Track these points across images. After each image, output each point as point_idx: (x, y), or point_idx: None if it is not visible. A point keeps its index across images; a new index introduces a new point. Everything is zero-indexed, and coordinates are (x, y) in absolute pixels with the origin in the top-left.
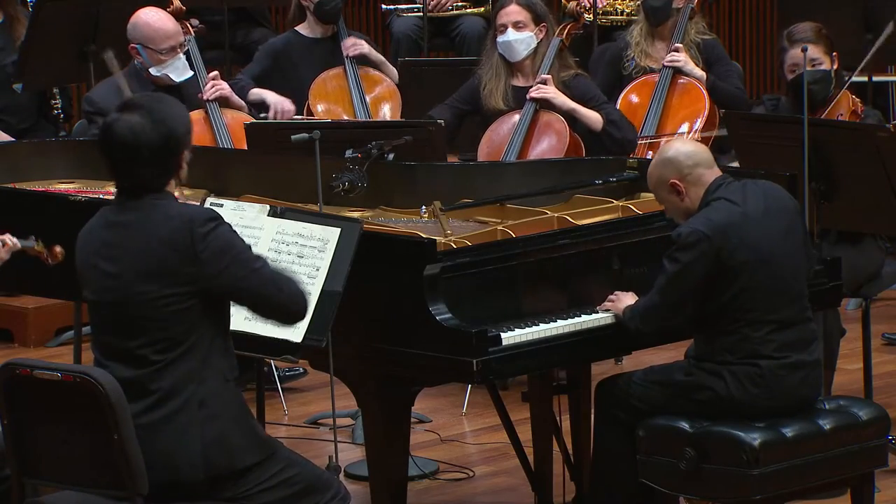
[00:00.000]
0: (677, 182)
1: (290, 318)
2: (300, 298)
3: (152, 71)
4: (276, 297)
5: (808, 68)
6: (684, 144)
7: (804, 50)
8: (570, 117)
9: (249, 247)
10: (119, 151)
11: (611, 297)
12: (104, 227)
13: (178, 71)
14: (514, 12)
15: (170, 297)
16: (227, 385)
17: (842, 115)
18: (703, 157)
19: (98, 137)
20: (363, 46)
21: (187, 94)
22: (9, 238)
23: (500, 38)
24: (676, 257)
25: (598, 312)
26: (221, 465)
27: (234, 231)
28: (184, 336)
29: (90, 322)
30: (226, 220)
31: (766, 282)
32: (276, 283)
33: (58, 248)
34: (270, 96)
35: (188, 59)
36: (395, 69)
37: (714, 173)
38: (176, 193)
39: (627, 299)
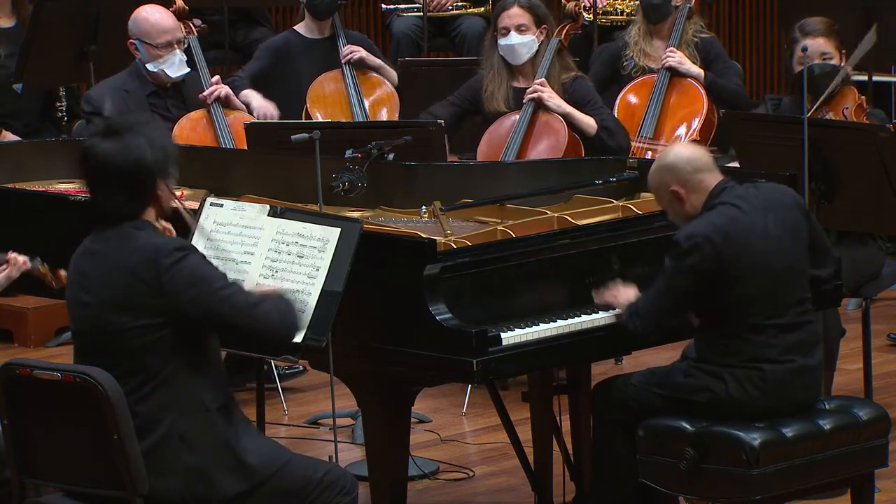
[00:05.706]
0: (678, 189)
1: (271, 344)
2: (281, 323)
3: (149, 67)
4: (251, 324)
5: (819, 61)
6: (685, 149)
7: (804, 49)
8: (566, 119)
9: (224, 275)
10: (92, 176)
11: (613, 290)
12: (82, 255)
13: (174, 67)
14: (516, 15)
15: (139, 328)
16: (209, 415)
17: (847, 108)
18: (704, 162)
19: (77, 160)
20: (359, 52)
21: (188, 94)
22: (20, 256)
23: (502, 42)
24: (677, 262)
25: (598, 312)
26: (202, 497)
27: (206, 260)
28: (157, 367)
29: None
30: (222, 220)
31: (767, 290)
32: (250, 310)
33: (62, 272)
34: (255, 101)
35: (190, 58)
36: (394, 72)
37: (716, 177)
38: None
39: (629, 293)
